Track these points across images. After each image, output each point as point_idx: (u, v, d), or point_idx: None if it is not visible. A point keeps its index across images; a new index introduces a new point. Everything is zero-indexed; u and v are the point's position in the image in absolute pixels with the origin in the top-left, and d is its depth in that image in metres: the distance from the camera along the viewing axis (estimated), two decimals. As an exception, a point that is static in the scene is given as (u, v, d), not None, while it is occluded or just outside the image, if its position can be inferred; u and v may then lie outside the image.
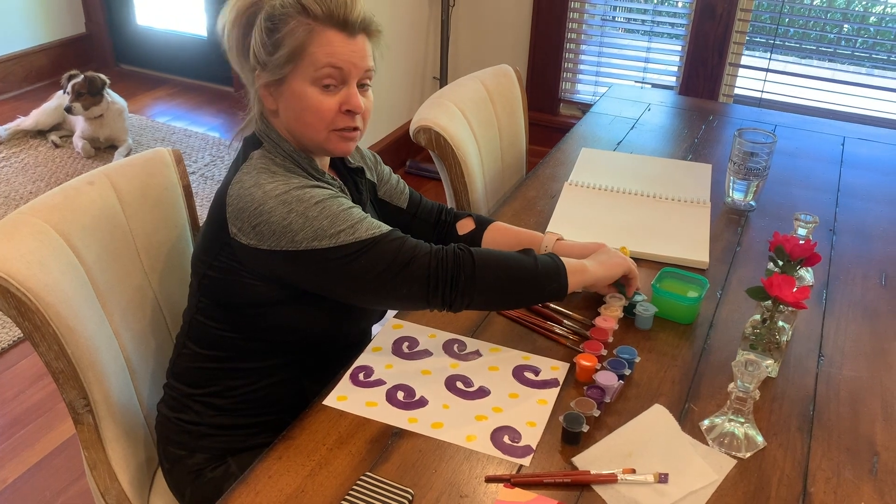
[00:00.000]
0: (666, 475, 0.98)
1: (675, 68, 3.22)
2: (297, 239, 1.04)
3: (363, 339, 1.30)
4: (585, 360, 1.13)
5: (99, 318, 1.17)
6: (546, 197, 1.67)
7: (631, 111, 2.17)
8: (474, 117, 1.75)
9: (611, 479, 0.97)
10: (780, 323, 1.15)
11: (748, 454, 1.03)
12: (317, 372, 1.20)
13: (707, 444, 1.04)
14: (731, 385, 1.02)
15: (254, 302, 1.11)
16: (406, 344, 1.22)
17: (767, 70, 3.07)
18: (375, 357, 1.18)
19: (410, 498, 0.94)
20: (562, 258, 1.17)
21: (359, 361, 1.17)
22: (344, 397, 1.10)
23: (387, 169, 1.36)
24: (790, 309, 1.15)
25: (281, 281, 1.09)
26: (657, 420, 1.06)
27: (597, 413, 1.05)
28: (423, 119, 1.61)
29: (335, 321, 1.16)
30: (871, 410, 1.12)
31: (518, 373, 1.16)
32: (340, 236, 1.04)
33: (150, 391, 1.31)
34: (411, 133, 1.62)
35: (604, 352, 1.17)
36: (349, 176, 1.26)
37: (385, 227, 1.08)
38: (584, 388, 1.10)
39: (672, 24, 3.20)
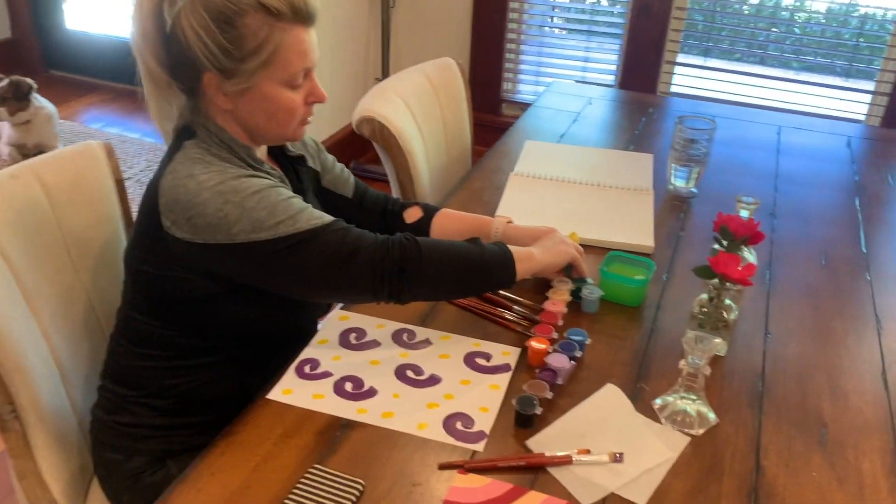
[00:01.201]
0: (621, 454, 0.97)
1: (614, 67, 3.26)
2: (233, 231, 0.99)
3: (307, 334, 1.26)
4: (537, 343, 1.12)
5: (25, 319, 1.11)
6: (492, 188, 1.66)
7: (573, 105, 2.18)
8: (418, 110, 1.73)
9: (566, 461, 0.96)
10: (727, 301, 1.16)
11: (701, 431, 1.02)
12: (259, 368, 1.16)
13: (660, 423, 1.03)
14: (682, 362, 1.02)
15: (190, 297, 1.06)
16: (353, 335, 1.18)
17: (703, 67, 3.14)
18: (322, 349, 1.15)
19: (361, 489, 0.90)
20: (509, 246, 1.16)
21: (304, 354, 1.13)
22: (289, 391, 1.06)
23: (330, 157, 1.33)
24: (737, 287, 1.16)
25: (218, 275, 1.04)
26: (610, 400, 1.05)
27: (549, 395, 1.04)
28: (366, 110, 1.58)
29: (277, 315, 1.12)
30: (817, 385, 1.13)
31: (469, 359, 1.14)
32: (280, 227, 1.00)
33: (84, 394, 1.24)
34: (354, 124, 1.59)
35: (555, 335, 1.16)
36: (289, 165, 1.22)
37: (327, 218, 1.05)
38: (536, 371, 1.09)
39: (609, 24, 3.24)
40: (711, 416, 1.04)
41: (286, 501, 0.88)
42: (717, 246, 1.44)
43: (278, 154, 1.22)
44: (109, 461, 1.16)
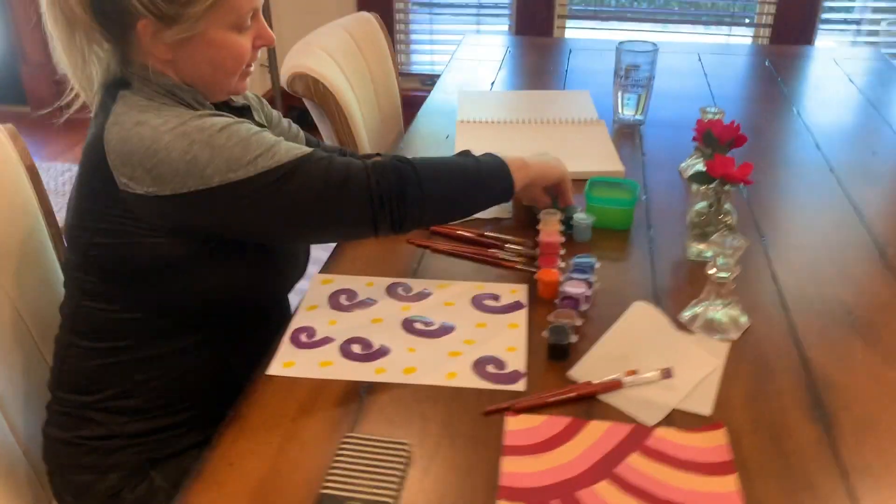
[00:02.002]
0: (669, 369, 0.90)
1: (507, 16, 3.23)
2: (207, 174, 0.85)
3: (284, 303, 1.13)
4: (547, 277, 1.04)
5: (-49, 330, 0.92)
6: (440, 139, 1.56)
7: (494, 55, 2.11)
8: (346, 65, 1.61)
9: (615, 386, 0.88)
10: (727, 206, 1.12)
11: (737, 335, 0.97)
12: (241, 345, 1.02)
13: (694, 334, 0.98)
14: (711, 268, 0.96)
15: (157, 265, 0.91)
16: (344, 296, 1.06)
17: (596, 18, 3.16)
18: (313, 315, 1.02)
19: (408, 450, 0.79)
20: (500, 155, 1.06)
21: (295, 323, 1.00)
22: (291, 363, 0.93)
23: (275, 112, 1.19)
24: (732, 189, 1.12)
25: (190, 232, 0.90)
26: (642, 317, 0.99)
27: (580, 322, 0.96)
28: (296, 66, 1.44)
29: (256, 276, 0.98)
30: (828, 275, 1.11)
31: (478, 302, 1.04)
32: (258, 162, 0.87)
33: (28, 415, 1.06)
34: (285, 83, 1.45)
35: (561, 264, 1.08)
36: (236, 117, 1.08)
37: (306, 147, 0.92)
38: (555, 302, 1.01)
39: (497, 5, 3.20)
40: (743, 318, 0.99)
41: (328, 478, 0.76)
42: (690, 161, 1.42)
43: (222, 108, 1.08)
44: (77, 485, 0.99)
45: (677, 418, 0.85)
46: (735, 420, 0.84)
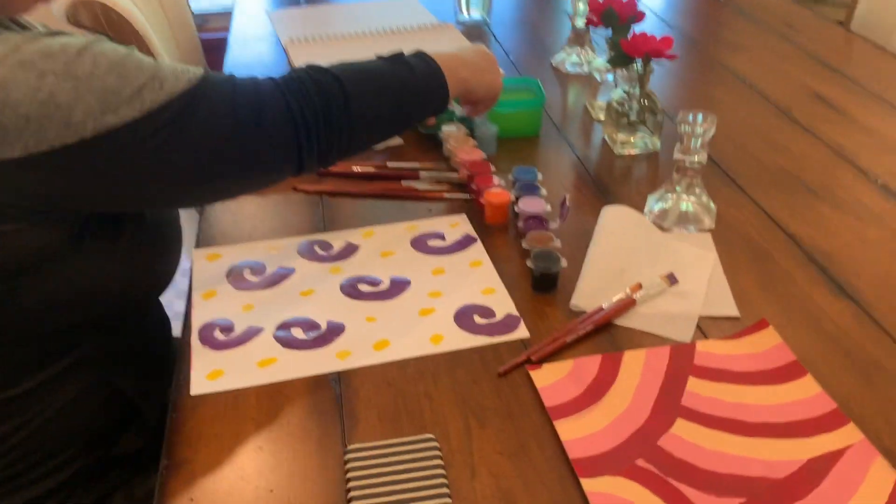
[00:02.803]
0: (672, 274, 0.78)
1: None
2: (74, 119, 0.56)
3: (159, 306, 0.85)
4: (497, 198, 0.86)
5: None
6: (278, 68, 1.29)
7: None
8: (132, -9, 1.27)
9: (629, 304, 0.74)
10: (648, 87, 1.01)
11: (713, 223, 0.88)
12: (125, 363, 0.74)
13: (669, 231, 0.87)
14: (678, 153, 0.85)
15: (11, 264, 0.61)
16: (248, 271, 0.81)
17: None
18: (216, 304, 0.76)
19: (437, 444, 0.60)
20: (432, 55, 0.84)
21: (198, 319, 0.74)
22: (217, 372, 0.68)
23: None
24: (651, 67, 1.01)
25: (52, 209, 0.60)
26: (620, 221, 0.85)
27: (559, 243, 0.80)
28: (75, -8, 1.09)
29: (135, 264, 0.70)
30: (757, 146, 1.05)
31: (420, 245, 0.85)
32: (144, 95, 0.59)
33: None
34: (66, 14, 1.10)
35: (501, 182, 0.91)
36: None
37: (195, 68, 0.65)
38: (519, 225, 0.84)
39: None
40: (712, 204, 0.89)
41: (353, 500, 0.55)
42: (563, 54, 1.29)
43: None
44: None
45: (708, 327, 0.73)
46: (765, 314, 0.74)
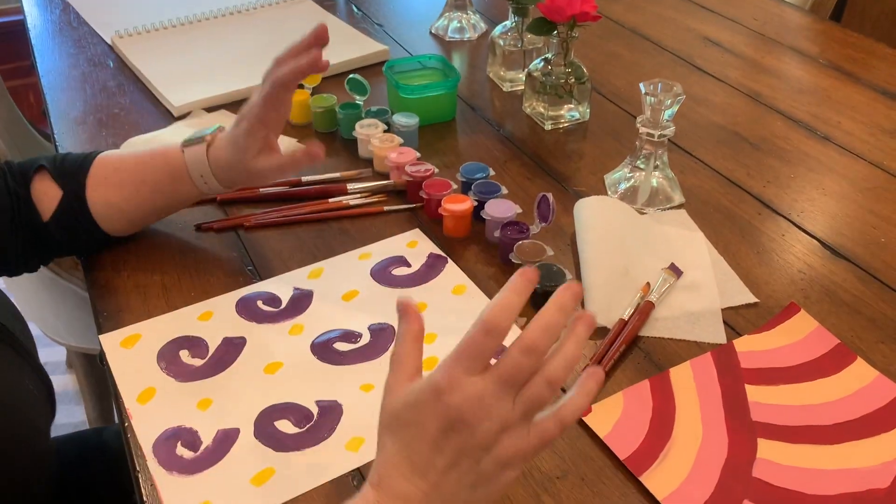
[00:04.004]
0: (674, 265, 0.71)
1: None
2: None
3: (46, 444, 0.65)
4: (456, 204, 0.74)
5: None
6: (103, 72, 1.05)
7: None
8: None
9: (649, 308, 0.66)
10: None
11: (682, 198, 0.82)
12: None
13: (643, 213, 0.80)
14: (641, 126, 0.77)
15: None
16: (184, 353, 0.63)
17: None
18: (160, 409, 0.59)
19: None
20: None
21: (143, 437, 0.57)
22: (207, 503, 0.52)
23: None
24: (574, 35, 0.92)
25: None
26: (603, 214, 0.76)
27: (551, 252, 0.70)
28: None
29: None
30: (690, 108, 1.00)
31: (384, 277, 0.71)
32: None
33: None
34: None
35: (454, 185, 0.79)
36: None
37: None
38: (495, 234, 0.72)
39: None
40: (671, 174, 0.83)
41: None
42: (443, 21, 1.17)
43: None
44: None
45: (733, 319, 0.67)
46: (785, 295, 0.69)
